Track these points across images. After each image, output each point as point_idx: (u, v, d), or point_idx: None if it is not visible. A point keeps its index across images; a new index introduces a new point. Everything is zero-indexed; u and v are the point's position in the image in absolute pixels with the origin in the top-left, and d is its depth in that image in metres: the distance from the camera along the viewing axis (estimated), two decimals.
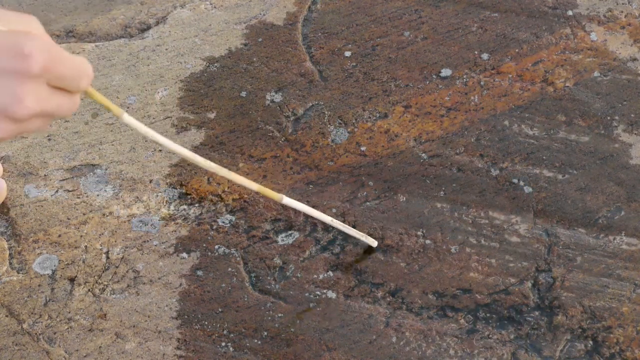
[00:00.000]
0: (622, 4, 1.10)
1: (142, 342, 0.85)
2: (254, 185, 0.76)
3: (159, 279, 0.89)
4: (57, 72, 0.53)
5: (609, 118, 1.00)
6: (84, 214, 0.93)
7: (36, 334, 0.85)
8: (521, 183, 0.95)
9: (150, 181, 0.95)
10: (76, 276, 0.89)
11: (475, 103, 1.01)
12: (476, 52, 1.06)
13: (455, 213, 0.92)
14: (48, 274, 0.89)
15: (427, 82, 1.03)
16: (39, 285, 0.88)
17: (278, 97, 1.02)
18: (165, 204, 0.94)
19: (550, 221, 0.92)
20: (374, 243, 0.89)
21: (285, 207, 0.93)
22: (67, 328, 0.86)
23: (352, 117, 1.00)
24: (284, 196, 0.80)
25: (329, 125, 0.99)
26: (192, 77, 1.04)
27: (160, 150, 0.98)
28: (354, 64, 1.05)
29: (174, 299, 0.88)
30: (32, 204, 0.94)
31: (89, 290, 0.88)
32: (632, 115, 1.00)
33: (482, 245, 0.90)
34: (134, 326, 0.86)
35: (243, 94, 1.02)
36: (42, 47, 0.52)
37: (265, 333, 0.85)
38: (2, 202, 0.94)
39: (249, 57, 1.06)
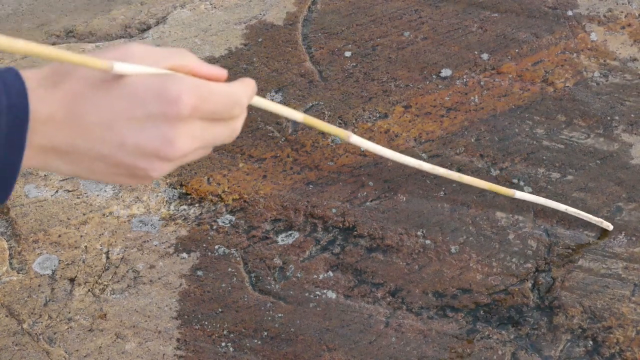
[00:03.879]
0: (622, 4, 1.10)
1: (142, 342, 0.85)
2: (483, 184, 0.87)
3: (159, 279, 0.89)
4: (207, 109, 0.53)
5: (609, 118, 1.00)
6: (84, 214, 0.93)
7: (36, 334, 0.85)
8: (521, 183, 0.95)
9: None
10: (76, 276, 0.89)
11: (475, 103, 1.01)
12: (476, 52, 1.06)
13: (455, 213, 0.92)
14: (48, 274, 0.89)
15: (427, 82, 1.03)
16: (39, 285, 0.88)
17: (278, 97, 1.02)
18: (165, 204, 0.94)
19: (550, 221, 0.92)
20: (609, 227, 0.90)
21: (285, 208, 0.93)
22: (67, 328, 0.86)
23: (352, 117, 1.00)
24: (515, 191, 0.88)
25: None
26: None
27: None
28: (354, 64, 1.05)
29: (174, 299, 0.87)
30: (32, 204, 0.94)
31: (89, 290, 0.88)
32: (632, 115, 1.00)
33: (482, 246, 0.90)
34: (134, 326, 0.86)
35: None
36: (189, 88, 0.51)
37: (265, 333, 0.85)
38: None
39: (249, 57, 1.06)
